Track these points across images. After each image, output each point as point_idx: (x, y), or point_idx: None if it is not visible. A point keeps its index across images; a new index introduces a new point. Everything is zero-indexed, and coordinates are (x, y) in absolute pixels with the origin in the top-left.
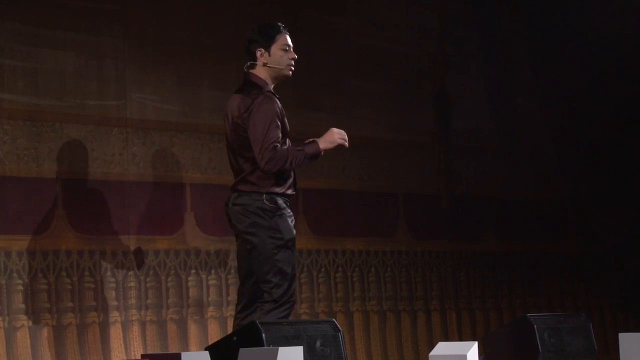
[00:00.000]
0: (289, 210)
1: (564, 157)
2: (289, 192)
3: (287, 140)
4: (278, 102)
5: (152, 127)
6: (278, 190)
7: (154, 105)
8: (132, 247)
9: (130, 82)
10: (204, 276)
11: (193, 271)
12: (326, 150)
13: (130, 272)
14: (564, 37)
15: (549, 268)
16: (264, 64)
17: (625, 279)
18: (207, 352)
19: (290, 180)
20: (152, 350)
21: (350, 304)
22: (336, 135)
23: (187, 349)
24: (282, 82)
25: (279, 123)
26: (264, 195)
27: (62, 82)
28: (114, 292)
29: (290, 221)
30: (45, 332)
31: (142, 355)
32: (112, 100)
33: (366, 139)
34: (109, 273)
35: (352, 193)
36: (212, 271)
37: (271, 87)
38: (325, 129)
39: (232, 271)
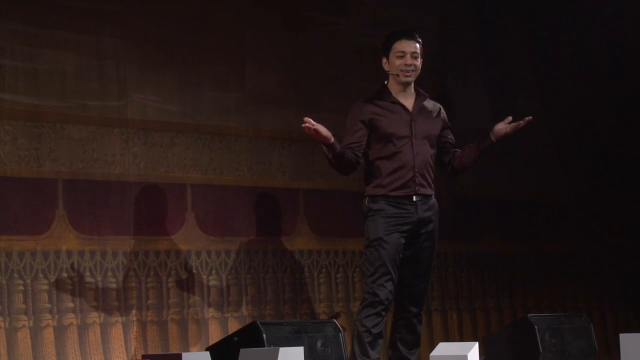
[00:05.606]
0: (393, 210)
1: (564, 157)
2: (395, 193)
3: (396, 140)
4: (369, 105)
5: (152, 127)
6: (377, 192)
7: (155, 105)
8: (133, 248)
9: (131, 82)
10: (204, 277)
11: (194, 271)
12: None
13: (131, 273)
14: (565, 37)
15: (550, 268)
16: (388, 72)
17: (626, 279)
18: (207, 353)
19: (399, 182)
20: (153, 350)
21: (351, 304)
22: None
23: (187, 350)
24: (405, 87)
25: (358, 128)
26: (366, 198)
27: (63, 82)
28: (114, 292)
29: (385, 222)
30: (46, 333)
31: (143, 356)
32: (112, 101)
33: None
34: (109, 273)
35: (353, 193)
36: (213, 272)
37: (398, 93)
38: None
39: (233, 271)
